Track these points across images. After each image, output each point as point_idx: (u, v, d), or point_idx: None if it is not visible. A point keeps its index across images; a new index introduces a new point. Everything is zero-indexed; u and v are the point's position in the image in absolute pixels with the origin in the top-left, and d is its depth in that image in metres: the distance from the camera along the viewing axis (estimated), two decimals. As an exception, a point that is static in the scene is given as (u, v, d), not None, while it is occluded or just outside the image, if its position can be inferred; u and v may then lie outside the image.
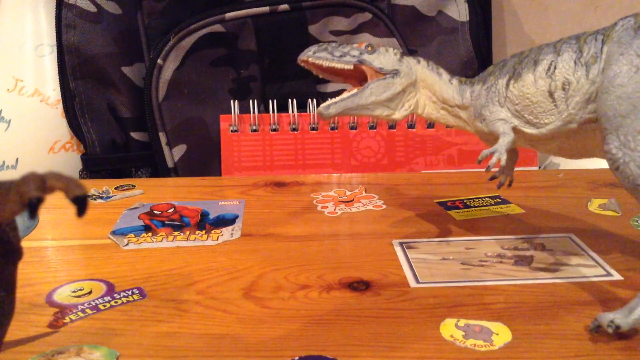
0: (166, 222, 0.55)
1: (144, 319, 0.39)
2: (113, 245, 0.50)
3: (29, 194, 0.25)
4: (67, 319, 0.39)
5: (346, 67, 0.44)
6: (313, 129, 0.71)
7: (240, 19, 0.72)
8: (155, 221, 0.55)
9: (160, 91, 0.72)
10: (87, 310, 0.40)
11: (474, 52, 0.77)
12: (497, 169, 0.48)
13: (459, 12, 0.77)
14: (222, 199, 0.61)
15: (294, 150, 0.71)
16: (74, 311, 0.40)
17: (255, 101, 0.72)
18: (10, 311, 0.30)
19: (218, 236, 0.52)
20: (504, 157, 0.41)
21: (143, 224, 0.54)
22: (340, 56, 0.44)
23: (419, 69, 0.45)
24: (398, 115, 0.45)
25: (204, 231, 0.53)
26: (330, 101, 0.44)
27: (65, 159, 0.74)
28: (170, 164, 0.73)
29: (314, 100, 0.71)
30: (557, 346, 0.35)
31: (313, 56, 0.44)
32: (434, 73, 0.46)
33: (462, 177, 0.67)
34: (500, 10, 0.87)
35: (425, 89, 0.46)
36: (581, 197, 0.59)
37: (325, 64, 0.44)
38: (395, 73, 0.44)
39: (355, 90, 0.44)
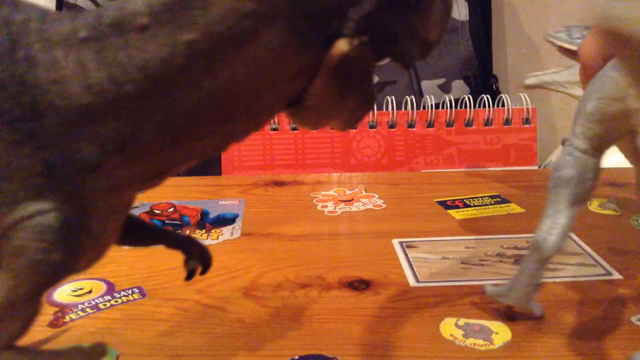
0: (166, 222, 0.55)
1: (144, 318, 0.39)
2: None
3: None
4: (67, 318, 0.39)
5: (573, 48, 0.46)
6: (313, 128, 0.71)
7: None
8: (155, 220, 0.55)
9: (160, 90, 0.72)
10: (88, 310, 0.40)
11: (474, 51, 0.77)
12: None
13: (459, 11, 0.77)
14: (222, 198, 0.61)
15: (294, 149, 0.71)
16: (74, 310, 0.40)
17: (255, 100, 0.72)
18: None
19: (218, 235, 0.52)
20: None
21: (143, 223, 0.54)
22: (577, 38, 0.46)
23: None
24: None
25: (204, 230, 0.53)
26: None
27: (65, 158, 0.74)
28: (170, 163, 0.73)
29: (314, 99, 0.71)
30: (557, 346, 0.35)
31: (551, 35, 0.47)
32: None
33: (462, 177, 0.67)
34: (500, 10, 0.88)
35: None
36: (581, 196, 0.59)
37: (557, 43, 0.47)
38: None
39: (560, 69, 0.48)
